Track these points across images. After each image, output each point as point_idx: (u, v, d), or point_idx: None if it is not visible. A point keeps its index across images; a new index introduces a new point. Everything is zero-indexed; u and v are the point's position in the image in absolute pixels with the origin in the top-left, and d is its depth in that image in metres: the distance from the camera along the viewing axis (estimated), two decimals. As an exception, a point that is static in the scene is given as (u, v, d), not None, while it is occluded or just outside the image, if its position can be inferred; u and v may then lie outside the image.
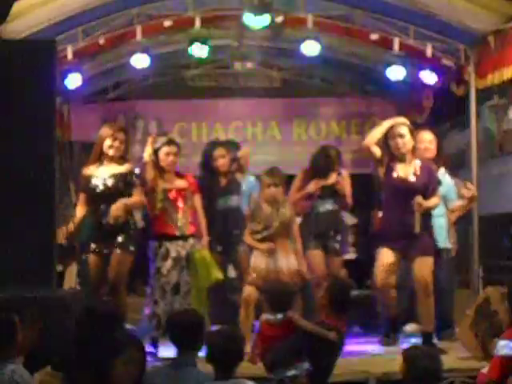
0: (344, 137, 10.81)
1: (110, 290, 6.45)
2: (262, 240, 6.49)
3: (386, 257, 6.43)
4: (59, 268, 6.99)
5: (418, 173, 6.43)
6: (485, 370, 5.07)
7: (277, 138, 10.83)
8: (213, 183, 7.10)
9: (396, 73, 9.05)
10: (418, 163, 6.47)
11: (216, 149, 7.25)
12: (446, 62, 8.61)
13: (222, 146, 7.31)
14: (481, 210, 8.30)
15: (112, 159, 6.39)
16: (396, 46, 8.44)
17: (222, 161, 7.16)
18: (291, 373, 4.99)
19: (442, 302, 7.06)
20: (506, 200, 8.11)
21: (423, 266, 6.39)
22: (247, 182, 7.54)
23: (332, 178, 7.11)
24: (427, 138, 7.12)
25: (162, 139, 6.80)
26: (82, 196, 6.57)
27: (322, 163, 7.14)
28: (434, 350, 4.31)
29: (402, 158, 6.47)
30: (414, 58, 8.81)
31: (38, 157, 5.51)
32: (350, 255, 7.67)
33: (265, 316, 5.56)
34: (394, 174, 6.42)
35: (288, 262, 6.50)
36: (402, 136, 6.43)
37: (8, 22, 6.56)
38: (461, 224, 8.02)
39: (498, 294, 6.09)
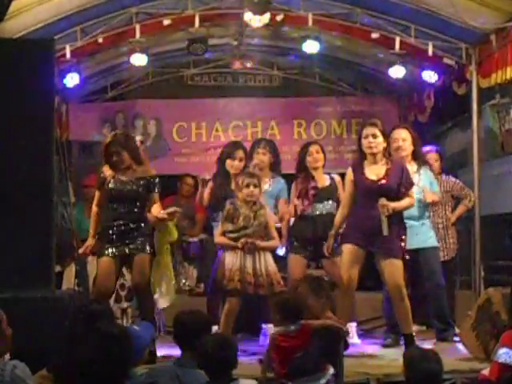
0: (344, 136, 10.80)
1: (136, 291, 6.40)
2: (237, 239, 6.47)
3: (348, 256, 6.36)
4: (58, 268, 6.97)
5: (390, 173, 6.37)
6: (486, 371, 5.06)
7: (277, 137, 10.79)
8: (223, 182, 7.00)
9: (397, 72, 9.03)
10: (389, 164, 6.42)
11: (238, 150, 7.15)
12: (448, 61, 8.59)
13: (243, 150, 7.22)
14: (482, 209, 8.27)
15: (121, 168, 6.32)
16: (397, 45, 8.42)
17: (237, 163, 7.08)
18: (322, 381, 4.92)
19: (439, 302, 7.03)
20: (507, 200, 8.08)
21: (393, 270, 6.27)
22: (276, 183, 7.45)
23: (324, 181, 7.06)
24: (399, 136, 7.07)
25: None
26: (96, 194, 6.46)
27: (305, 163, 7.10)
28: (434, 352, 4.26)
29: (373, 159, 6.42)
30: (415, 57, 8.79)
31: (37, 156, 5.49)
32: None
33: (275, 329, 5.50)
34: (364, 176, 6.38)
35: (266, 263, 6.48)
36: (374, 136, 6.40)
37: (6, 20, 6.53)
38: (462, 224, 8.01)
39: (499, 294, 6.07)
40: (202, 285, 8.50)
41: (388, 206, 6.18)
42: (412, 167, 6.98)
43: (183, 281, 8.94)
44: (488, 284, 7.74)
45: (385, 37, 8.52)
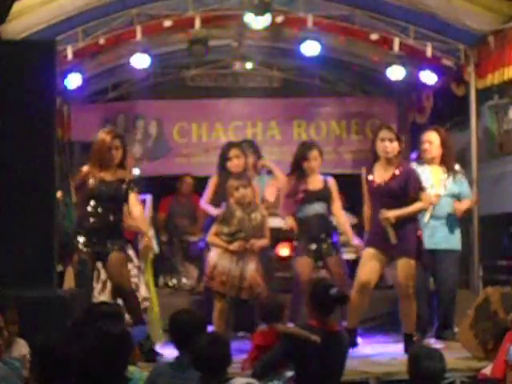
0: (344, 137, 10.81)
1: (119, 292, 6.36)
2: (230, 243, 6.51)
3: (368, 257, 6.41)
4: (59, 268, 6.98)
5: (395, 177, 6.42)
6: (486, 370, 5.09)
7: (277, 138, 10.83)
8: (225, 184, 7.03)
9: (396, 73, 9.05)
10: (399, 168, 6.47)
11: (231, 149, 7.22)
12: (446, 62, 8.61)
13: (237, 147, 7.28)
14: (481, 210, 8.31)
15: (112, 165, 6.35)
16: (396, 46, 8.44)
17: (235, 161, 7.14)
18: (275, 383, 4.93)
19: (448, 305, 7.08)
20: (505, 200, 8.10)
21: (404, 269, 6.38)
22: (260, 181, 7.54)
23: (317, 184, 7.10)
24: (426, 138, 7.14)
25: None
26: (79, 195, 6.48)
27: (302, 158, 7.15)
28: (438, 351, 4.30)
29: (386, 163, 6.47)
30: (414, 58, 8.81)
31: (38, 157, 5.52)
32: (351, 255, 7.65)
33: (260, 326, 5.61)
34: (373, 179, 6.45)
35: (251, 266, 6.52)
36: (391, 140, 6.45)
37: (8, 22, 6.55)
38: (461, 224, 8.03)
39: (497, 294, 6.11)
40: (203, 284, 8.53)
41: (389, 218, 6.25)
42: (443, 169, 7.05)
43: (184, 280, 8.99)
44: (486, 283, 7.76)
45: (384, 38, 8.56)
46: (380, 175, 6.45)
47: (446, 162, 7.12)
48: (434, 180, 7.04)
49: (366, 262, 6.41)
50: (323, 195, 7.01)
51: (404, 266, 6.39)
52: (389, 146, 6.42)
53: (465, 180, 7.26)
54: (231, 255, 6.48)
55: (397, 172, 6.44)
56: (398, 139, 6.49)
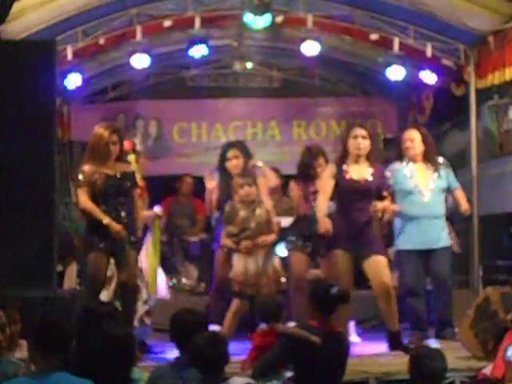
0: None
1: (124, 288, 6.38)
2: (237, 242, 6.54)
3: (341, 260, 6.41)
4: (59, 268, 6.99)
5: (371, 176, 6.46)
6: (486, 370, 5.10)
7: (277, 138, 10.84)
8: (227, 184, 7.05)
9: (396, 73, 9.06)
10: (374, 167, 6.50)
11: (230, 150, 7.24)
12: (446, 62, 8.62)
13: (236, 148, 7.29)
14: (481, 209, 8.31)
15: (110, 160, 6.36)
16: (396, 46, 8.45)
17: (235, 162, 7.15)
18: (273, 383, 4.93)
19: (445, 303, 7.08)
20: (505, 200, 8.11)
21: (378, 267, 6.40)
22: None
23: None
24: (407, 136, 7.15)
25: None
26: (85, 190, 6.44)
27: (308, 166, 7.20)
28: (439, 351, 4.30)
29: (356, 160, 6.49)
30: (413, 58, 8.82)
31: (38, 157, 5.51)
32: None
33: (260, 326, 5.61)
34: (347, 176, 6.46)
35: (271, 262, 6.54)
36: (364, 137, 6.47)
37: (8, 22, 6.55)
38: (460, 224, 8.05)
39: (497, 294, 6.11)
40: (203, 284, 8.55)
41: (380, 210, 6.29)
42: (427, 166, 7.07)
43: (184, 280, 8.99)
44: (486, 283, 7.77)
45: (384, 38, 8.56)
46: (355, 172, 6.46)
47: (428, 158, 7.14)
48: (421, 178, 7.05)
49: (341, 270, 6.36)
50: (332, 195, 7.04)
51: (376, 265, 6.40)
52: (361, 142, 6.46)
53: (448, 170, 7.25)
54: (245, 255, 6.50)
55: (373, 171, 6.48)
56: (371, 137, 6.52)
